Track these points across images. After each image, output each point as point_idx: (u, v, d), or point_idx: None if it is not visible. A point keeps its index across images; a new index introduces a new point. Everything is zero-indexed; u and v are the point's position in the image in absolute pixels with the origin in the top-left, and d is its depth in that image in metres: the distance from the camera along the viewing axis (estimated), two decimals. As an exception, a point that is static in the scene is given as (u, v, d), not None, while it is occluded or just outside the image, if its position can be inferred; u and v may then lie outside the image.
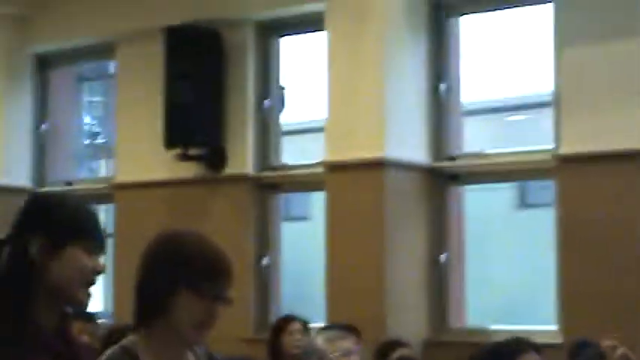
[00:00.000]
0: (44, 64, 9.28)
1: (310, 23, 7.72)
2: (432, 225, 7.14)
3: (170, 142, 7.56)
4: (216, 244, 3.00)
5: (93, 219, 2.95)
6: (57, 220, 2.80)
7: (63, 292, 2.78)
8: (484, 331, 7.05)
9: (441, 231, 7.19)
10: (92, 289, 2.85)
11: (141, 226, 7.60)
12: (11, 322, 2.70)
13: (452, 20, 7.51)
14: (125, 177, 8.25)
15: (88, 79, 10.08)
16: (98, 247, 2.91)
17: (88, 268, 2.77)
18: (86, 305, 2.91)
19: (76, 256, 2.74)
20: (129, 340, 2.95)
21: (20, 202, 6.92)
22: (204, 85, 7.66)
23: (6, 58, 8.89)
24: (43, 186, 8.97)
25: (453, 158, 7.26)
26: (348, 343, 5.19)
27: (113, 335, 5.87)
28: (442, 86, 7.25)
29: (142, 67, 8.10)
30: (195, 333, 2.90)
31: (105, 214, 8.99)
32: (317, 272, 7.62)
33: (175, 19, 7.74)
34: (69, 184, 9.11)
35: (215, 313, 2.88)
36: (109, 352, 2.99)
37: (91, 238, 2.86)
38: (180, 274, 2.89)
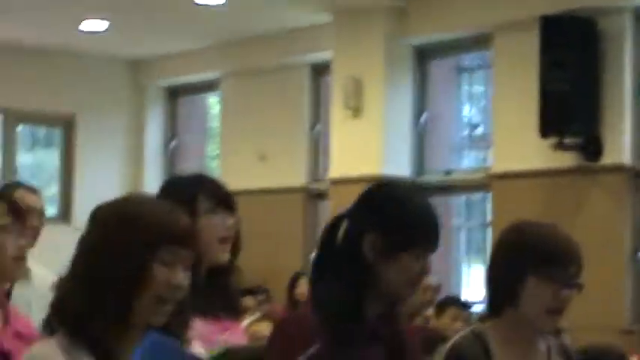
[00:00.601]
0: (423, 55, 9.84)
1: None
2: None
3: (546, 131, 7.98)
4: (565, 231, 3.28)
5: (433, 223, 3.11)
6: (398, 225, 3.01)
7: (389, 291, 3.01)
8: None
9: None
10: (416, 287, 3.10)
11: (517, 214, 8.13)
12: (346, 311, 2.94)
13: None
14: (501, 166, 8.72)
15: (467, 70, 10.45)
16: (431, 250, 3.07)
17: (416, 272, 2.99)
18: (407, 302, 3.18)
19: (408, 262, 2.96)
20: (480, 325, 3.26)
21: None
22: (579, 74, 8.01)
23: (386, 49, 9.48)
24: (422, 175, 9.61)
25: None
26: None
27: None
28: None
29: (518, 56, 8.54)
30: (545, 319, 3.15)
31: (483, 203, 9.58)
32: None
33: (551, 9, 8.09)
34: (448, 173, 9.76)
35: (565, 300, 3.11)
36: (459, 334, 3.29)
37: (428, 244, 3.07)
38: (530, 262, 3.13)
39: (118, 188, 10.34)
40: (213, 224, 3.48)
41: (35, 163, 12.39)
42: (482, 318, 3.36)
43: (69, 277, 2.57)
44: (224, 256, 3.53)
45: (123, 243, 2.46)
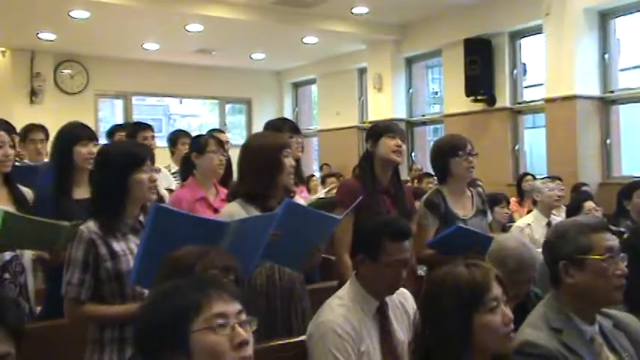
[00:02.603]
0: (410, 61, 9.28)
1: None
2: None
3: (468, 93, 7.84)
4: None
5: (394, 125, 3.01)
6: (375, 127, 2.96)
7: (385, 160, 2.85)
8: None
9: None
10: None
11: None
12: (366, 176, 2.87)
13: None
14: (449, 111, 8.46)
15: (431, 67, 9.87)
16: (398, 136, 2.88)
17: (393, 145, 2.84)
18: (396, 161, 2.90)
19: (387, 141, 2.86)
20: (439, 186, 3.05)
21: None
22: (483, 66, 7.72)
23: (392, 60, 9.02)
24: (411, 116, 9.28)
25: None
26: None
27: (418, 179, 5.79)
28: None
29: (454, 60, 8.13)
30: (467, 174, 2.94)
31: (440, 131, 9.07)
32: None
33: (469, 34, 7.84)
34: (423, 116, 9.31)
35: (473, 161, 2.93)
36: (429, 191, 3.14)
37: (394, 132, 2.91)
38: (446, 153, 2.93)
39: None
40: (291, 142, 3.26)
41: (234, 122, 12.29)
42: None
43: (240, 175, 2.54)
44: (298, 155, 3.34)
45: (263, 155, 2.45)
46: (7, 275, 2.57)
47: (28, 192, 2.76)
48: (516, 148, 8.01)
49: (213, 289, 1.23)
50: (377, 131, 2.93)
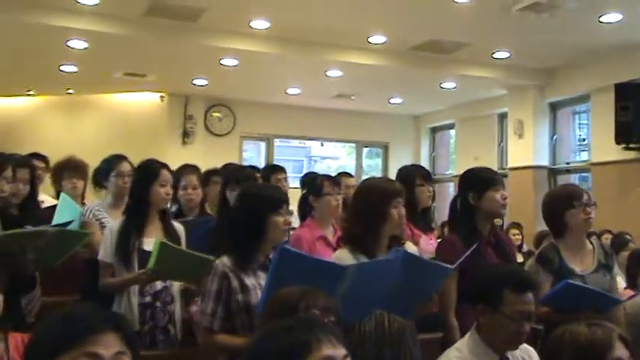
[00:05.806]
0: (554, 107, 9.02)
1: None
2: None
3: (619, 141, 7.54)
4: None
5: (495, 173, 2.94)
6: (478, 178, 2.87)
7: (490, 212, 2.85)
8: None
9: None
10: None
11: (606, 184, 7.69)
12: (467, 229, 2.79)
13: None
14: (596, 159, 8.13)
15: (577, 113, 9.47)
16: (501, 187, 2.82)
17: (499, 197, 2.82)
18: (502, 215, 2.91)
19: (492, 193, 2.81)
20: (554, 241, 2.92)
21: None
22: (636, 112, 7.41)
23: (534, 106, 8.85)
24: (556, 164, 8.99)
25: None
26: None
27: (542, 237, 5.40)
28: None
29: (603, 105, 7.88)
30: (585, 225, 2.84)
31: (587, 179, 8.64)
32: None
33: (620, 79, 7.57)
34: (568, 163, 9.03)
35: (590, 212, 2.82)
36: (543, 245, 2.98)
37: (497, 183, 2.84)
38: (565, 203, 2.82)
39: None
40: (422, 190, 3.44)
41: (371, 166, 12.47)
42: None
43: (348, 217, 2.63)
44: (428, 202, 3.47)
45: (371, 202, 2.48)
46: (158, 304, 2.85)
47: (179, 228, 3.00)
48: None
49: (321, 331, 1.22)
50: (481, 183, 2.85)
